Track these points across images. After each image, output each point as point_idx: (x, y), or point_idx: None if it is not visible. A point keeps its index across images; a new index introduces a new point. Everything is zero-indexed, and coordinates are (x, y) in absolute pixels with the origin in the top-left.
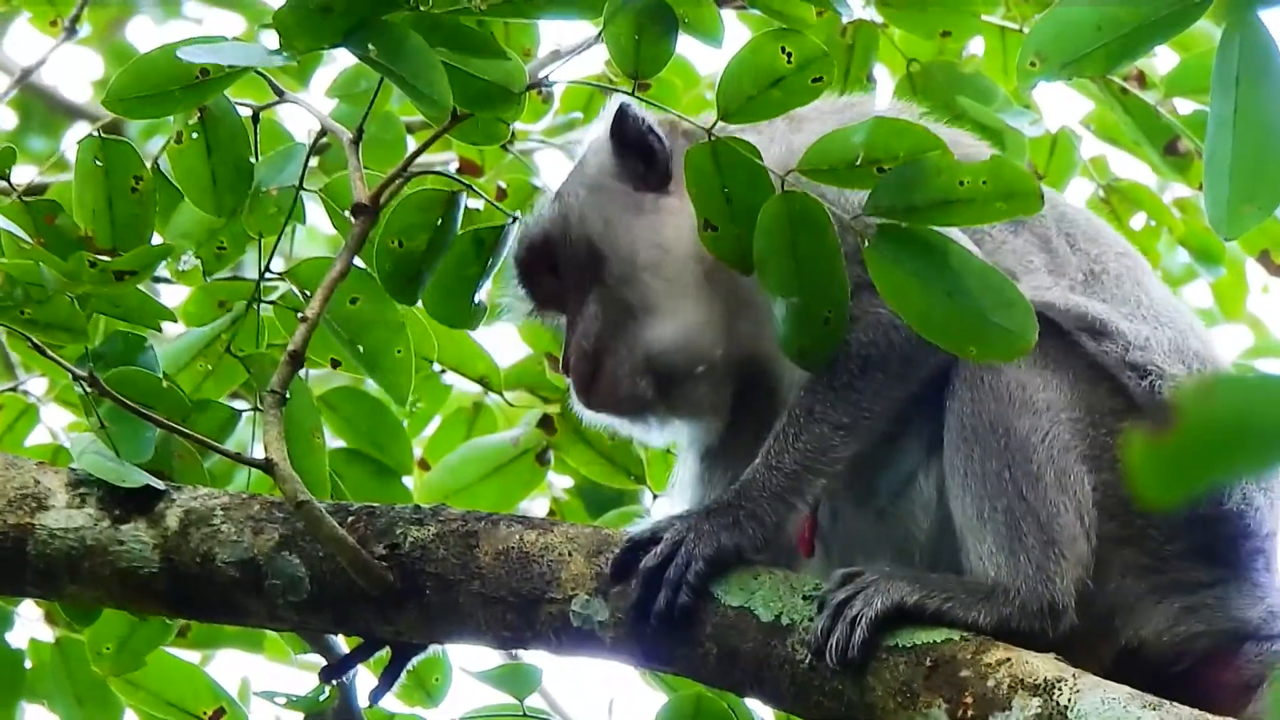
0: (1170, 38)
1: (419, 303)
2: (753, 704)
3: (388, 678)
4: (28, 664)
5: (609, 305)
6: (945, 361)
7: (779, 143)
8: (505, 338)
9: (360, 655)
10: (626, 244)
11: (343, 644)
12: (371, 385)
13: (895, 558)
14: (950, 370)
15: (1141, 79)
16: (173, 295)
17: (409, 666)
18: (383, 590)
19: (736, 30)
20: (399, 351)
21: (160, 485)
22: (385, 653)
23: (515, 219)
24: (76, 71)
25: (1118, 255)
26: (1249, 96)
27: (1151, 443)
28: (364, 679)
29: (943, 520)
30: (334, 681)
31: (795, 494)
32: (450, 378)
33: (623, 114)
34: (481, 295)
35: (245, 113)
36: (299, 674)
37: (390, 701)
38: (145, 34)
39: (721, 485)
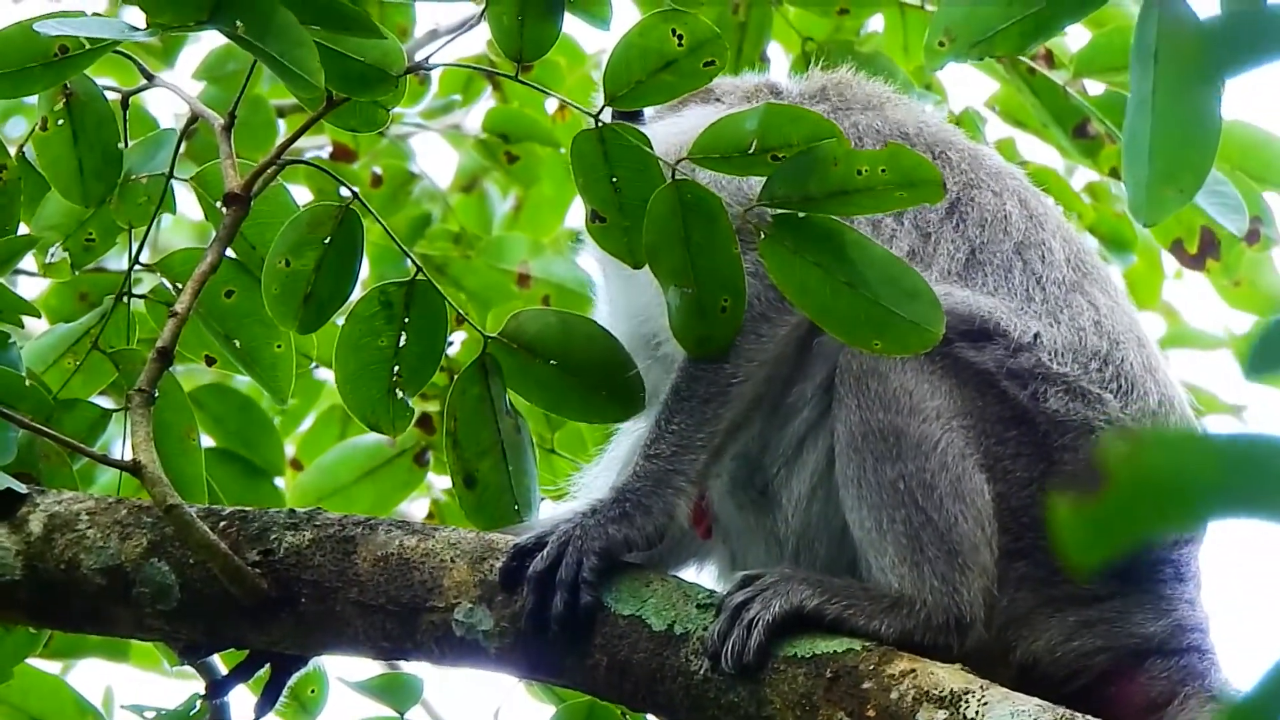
0: (1087, 14)
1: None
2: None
3: (270, 693)
4: None
5: None
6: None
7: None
8: None
9: (242, 674)
10: None
11: (220, 662)
12: (241, 381)
13: (768, 554)
14: (834, 377)
15: (1050, 58)
16: (28, 288)
17: (291, 682)
18: (256, 599)
19: (625, 9)
20: (278, 346)
21: (22, 489)
22: (266, 670)
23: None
24: None
25: (1018, 244)
26: (1169, 73)
27: (1078, 506)
28: (236, 690)
29: (816, 522)
30: (215, 702)
31: (678, 476)
32: (323, 373)
33: None
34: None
35: (113, 97)
36: (166, 683)
37: (267, 716)
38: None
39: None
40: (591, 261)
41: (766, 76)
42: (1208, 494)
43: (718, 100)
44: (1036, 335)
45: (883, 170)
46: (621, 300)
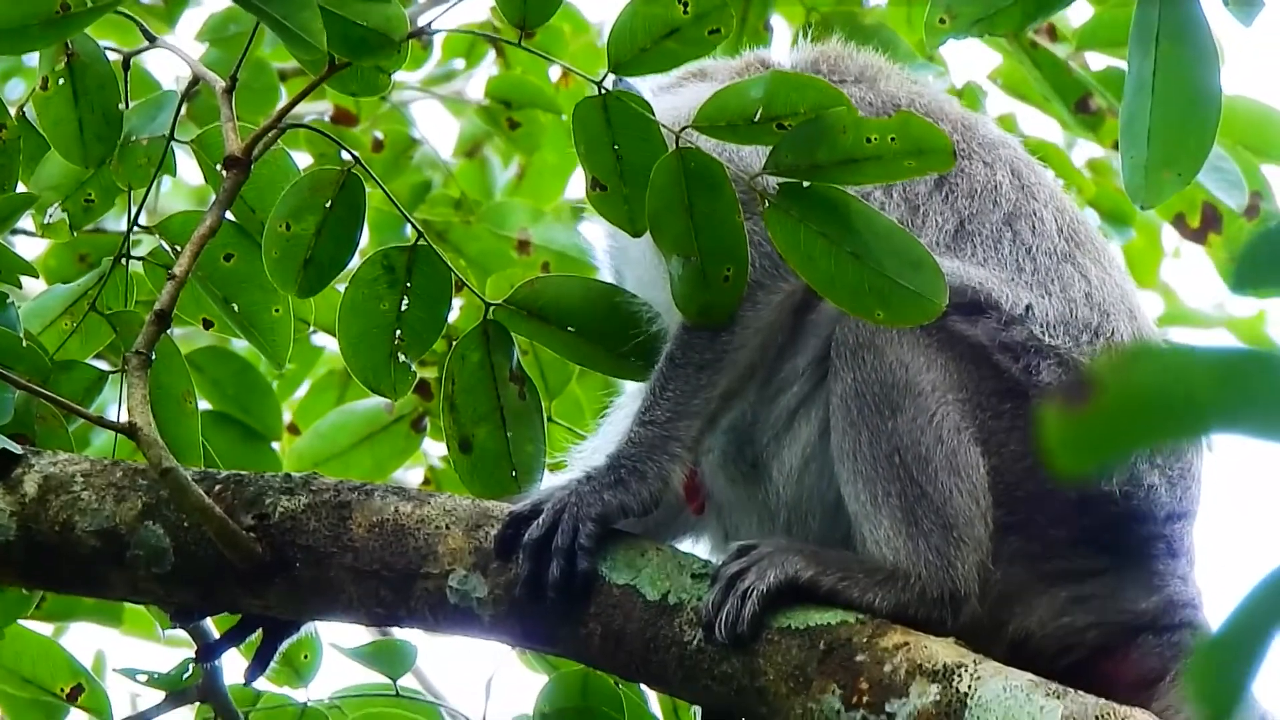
0: None
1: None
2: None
3: (262, 657)
4: None
5: None
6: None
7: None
8: None
9: (234, 638)
10: None
11: (212, 626)
12: (238, 345)
13: (760, 527)
14: (827, 351)
15: (1052, 32)
16: (27, 248)
17: (283, 647)
18: (250, 563)
19: None
20: (276, 311)
21: (17, 449)
22: (258, 635)
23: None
24: None
25: (1008, 215)
26: (1170, 55)
27: (1066, 414)
28: (228, 655)
29: (808, 495)
30: (207, 665)
31: (674, 442)
32: (321, 338)
33: None
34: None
35: (115, 58)
36: (159, 649)
37: (258, 681)
38: None
39: None
40: (596, 231)
41: (756, 52)
42: (1197, 406)
43: (711, 79)
44: (1029, 307)
45: (892, 139)
46: (630, 272)
